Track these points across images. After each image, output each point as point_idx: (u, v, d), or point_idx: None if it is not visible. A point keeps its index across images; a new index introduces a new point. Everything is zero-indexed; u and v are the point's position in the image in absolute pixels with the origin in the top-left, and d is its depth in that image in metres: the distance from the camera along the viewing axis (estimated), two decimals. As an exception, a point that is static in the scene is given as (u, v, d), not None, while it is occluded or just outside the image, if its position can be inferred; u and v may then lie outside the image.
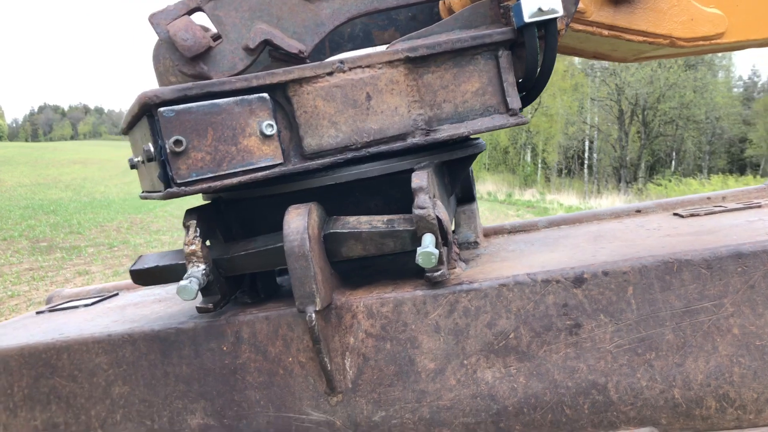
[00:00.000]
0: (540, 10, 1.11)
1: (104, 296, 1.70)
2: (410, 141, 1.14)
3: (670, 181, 30.41)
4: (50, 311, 1.62)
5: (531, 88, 1.26)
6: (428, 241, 1.03)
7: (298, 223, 1.04)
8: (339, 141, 1.12)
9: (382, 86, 1.12)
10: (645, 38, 1.42)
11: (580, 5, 1.36)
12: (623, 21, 1.40)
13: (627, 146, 44.94)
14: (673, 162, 46.35)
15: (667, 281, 0.99)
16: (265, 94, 1.08)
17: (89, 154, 58.24)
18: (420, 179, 1.08)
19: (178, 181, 1.05)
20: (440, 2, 1.51)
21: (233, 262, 1.13)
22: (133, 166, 1.30)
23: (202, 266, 1.09)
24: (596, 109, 45.53)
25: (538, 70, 1.21)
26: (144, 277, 1.17)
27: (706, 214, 1.39)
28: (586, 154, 47.52)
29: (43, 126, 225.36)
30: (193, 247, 1.09)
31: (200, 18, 1.18)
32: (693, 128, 44.28)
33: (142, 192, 1.30)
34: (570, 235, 1.43)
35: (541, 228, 1.61)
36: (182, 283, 1.03)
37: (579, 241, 1.34)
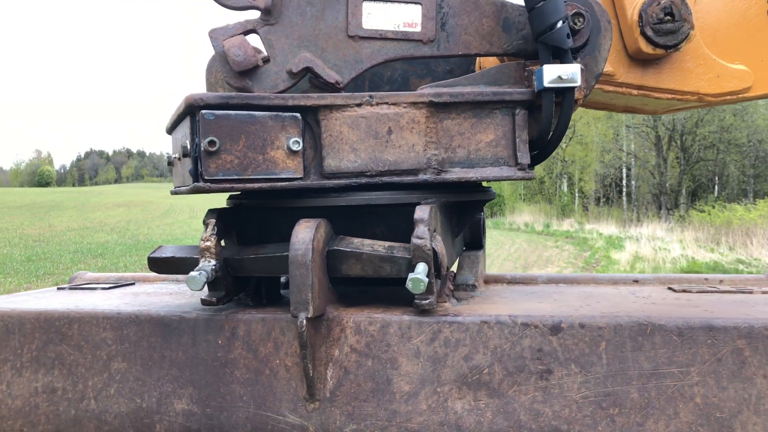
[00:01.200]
0: (559, 77, 1.18)
1: (122, 283, 1.81)
2: (421, 177, 1.22)
3: (713, 207, 29.51)
4: (70, 289, 1.74)
5: (542, 148, 1.31)
6: (420, 269, 1.10)
7: (305, 234, 1.12)
8: (356, 166, 1.20)
9: (403, 123, 1.21)
10: (673, 96, 1.45)
11: (609, 68, 1.40)
12: (651, 81, 1.43)
13: (666, 172, 44.01)
14: (716, 187, 45.08)
15: (639, 342, 1.05)
16: (298, 114, 1.18)
17: (132, 197, 60.20)
18: (422, 212, 1.15)
19: (206, 178, 1.15)
20: (476, 61, 1.57)
21: (242, 263, 1.22)
22: (170, 163, 1.43)
23: (213, 262, 1.19)
24: (632, 136, 44.90)
25: (551, 133, 1.26)
26: (160, 264, 1.28)
27: (697, 292, 1.42)
28: (624, 182, 46.70)
29: (89, 171, 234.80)
30: (208, 243, 1.19)
31: (254, 39, 1.28)
32: (735, 152, 43.12)
33: (173, 188, 1.42)
34: (564, 292, 1.47)
35: (540, 283, 1.66)
36: (192, 273, 1.13)
37: (569, 297, 1.38)
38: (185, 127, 1.22)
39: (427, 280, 1.08)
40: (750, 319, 1.05)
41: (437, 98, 1.22)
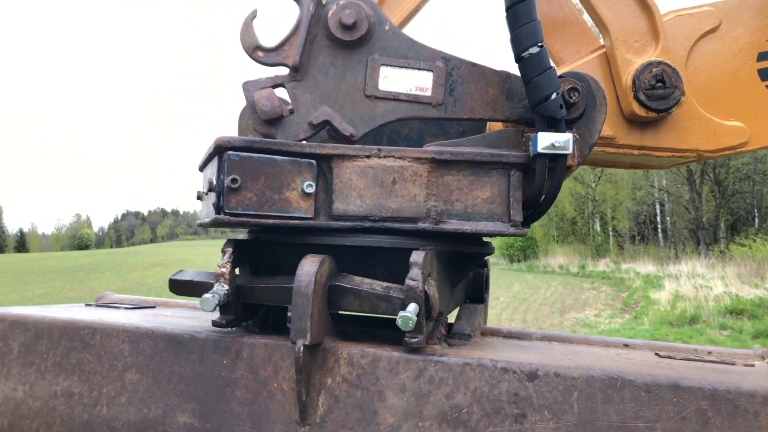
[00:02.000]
0: (552, 145, 1.28)
1: (144, 306, 1.92)
2: (420, 225, 1.32)
3: (754, 240, 28.57)
4: (97, 306, 1.85)
5: (535, 208, 1.40)
6: (411, 308, 1.18)
7: (310, 268, 1.22)
8: (362, 210, 1.31)
9: (407, 176, 1.32)
10: (673, 153, 1.53)
11: (609, 132, 1.48)
12: (651, 141, 1.51)
13: (701, 207, 42.96)
14: (756, 220, 43.74)
15: (609, 395, 1.08)
16: (314, 161, 1.30)
17: (167, 256, 61.44)
18: (418, 256, 1.24)
19: (227, 211, 1.26)
20: (487, 125, 1.67)
21: (252, 291, 1.32)
22: (199, 197, 1.56)
23: (226, 287, 1.28)
24: (663, 171, 44.24)
25: (544, 195, 1.36)
26: (179, 286, 1.40)
27: (681, 359, 1.44)
28: (659, 218, 45.73)
29: (126, 232, 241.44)
30: (223, 270, 1.29)
31: (281, 92, 1.41)
32: (772, 182, 41.99)
33: (199, 221, 1.55)
34: (553, 349, 1.50)
35: (534, 339, 1.70)
36: (206, 295, 1.22)
37: (555, 353, 1.41)
38: (213, 164, 1.36)
39: (415, 318, 1.15)
40: (715, 381, 1.08)
41: (439, 155, 1.33)
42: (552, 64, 1.30)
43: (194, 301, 1.92)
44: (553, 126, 1.31)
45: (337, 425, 1.18)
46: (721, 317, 14.00)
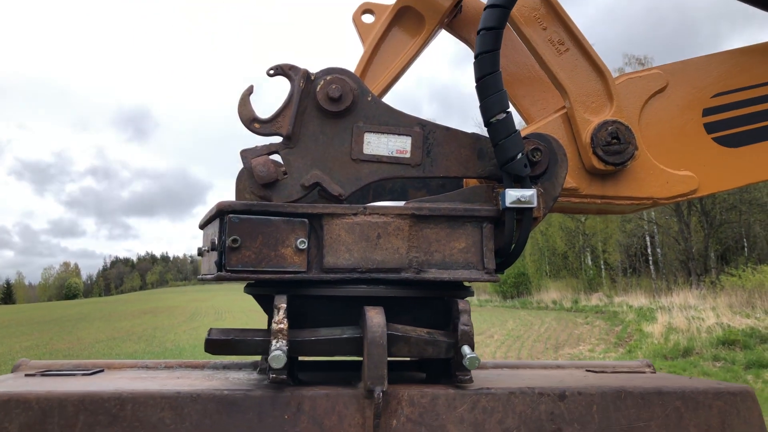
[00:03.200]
0: (519, 199, 1.44)
1: (93, 370, 1.68)
2: (403, 275, 1.44)
3: (743, 270, 28.82)
4: (42, 375, 1.59)
5: (506, 256, 1.53)
6: (469, 350, 1.36)
7: (380, 319, 1.33)
8: (351, 263, 1.43)
9: (390, 230, 1.45)
10: (632, 201, 1.68)
11: (573, 184, 1.65)
12: (611, 191, 1.68)
13: (690, 237, 43.37)
14: (746, 249, 44.17)
15: (617, 404, 1.34)
16: (306, 220, 1.43)
17: (157, 303, 60.66)
18: (465, 304, 1.40)
19: (228, 268, 1.37)
20: (464, 181, 1.81)
21: (303, 346, 1.36)
22: (200, 254, 1.66)
23: (285, 342, 1.31)
24: (650, 204, 44.77)
25: (514, 244, 1.50)
26: (219, 345, 1.37)
27: (611, 372, 1.78)
28: (649, 250, 46.03)
29: (115, 280, 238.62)
30: (281, 326, 1.33)
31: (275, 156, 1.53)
32: (758, 212, 42.60)
33: (200, 275, 1.65)
34: (519, 374, 1.75)
35: (489, 368, 1.88)
36: (277, 352, 1.27)
37: (537, 377, 1.62)
38: (215, 226, 1.48)
39: (480, 358, 1.32)
40: (677, 386, 1.41)
41: (418, 211, 1.47)
42: (516, 128, 1.46)
43: (145, 361, 1.82)
44: (520, 182, 1.46)
45: None
46: (714, 348, 14.05)
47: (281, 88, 1.54)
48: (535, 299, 40.77)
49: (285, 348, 1.29)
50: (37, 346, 26.26)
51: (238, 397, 1.27)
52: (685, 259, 43.83)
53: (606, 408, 1.34)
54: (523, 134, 1.56)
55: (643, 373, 1.80)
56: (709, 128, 1.73)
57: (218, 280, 1.41)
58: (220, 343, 1.36)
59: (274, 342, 1.31)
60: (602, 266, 49.71)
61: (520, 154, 1.44)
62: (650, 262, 45.68)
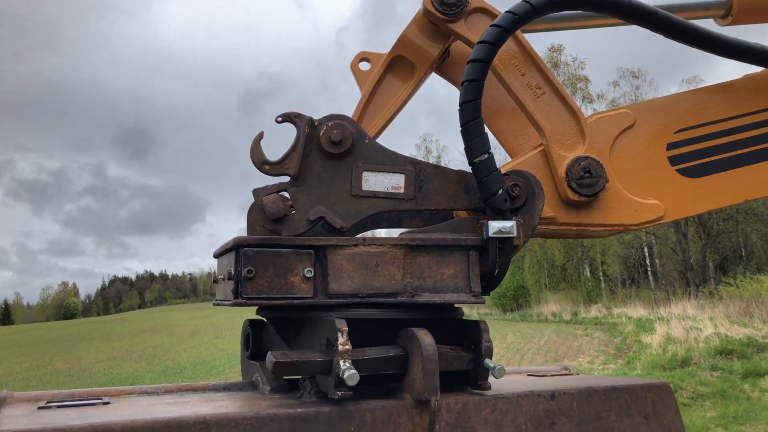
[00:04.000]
0: (500, 230, 1.62)
1: (96, 401, 1.60)
2: (399, 299, 1.61)
3: (741, 280, 28.99)
4: (58, 407, 1.52)
5: (490, 281, 1.70)
6: (492, 362, 1.57)
7: (430, 339, 1.50)
8: (352, 289, 1.59)
9: (387, 259, 1.62)
10: (605, 228, 1.87)
11: (550, 213, 1.83)
12: (585, 219, 1.86)
13: (688, 248, 43.57)
14: (743, 258, 44.35)
15: (588, 400, 1.65)
16: (312, 251, 1.59)
17: (156, 321, 60.54)
18: (486, 325, 1.61)
19: (244, 296, 1.53)
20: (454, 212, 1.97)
21: (357, 364, 1.46)
22: (215, 281, 1.86)
23: (350, 362, 1.44)
24: (647, 215, 44.95)
25: (497, 270, 1.67)
26: (287, 367, 1.45)
27: (552, 376, 2.09)
28: (648, 261, 46.19)
29: (114, 299, 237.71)
30: (347, 347, 1.45)
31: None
32: (755, 221, 42.89)
33: (216, 300, 1.81)
34: (512, 380, 1.96)
35: None
36: (352, 372, 1.39)
37: (521, 383, 1.86)
38: (231, 257, 1.64)
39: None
40: (627, 383, 1.72)
41: (412, 242, 1.65)
42: (497, 167, 1.64)
43: (142, 386, 1.78)
44: (501, 215, 1.64)
45: None
46: (711, 358, 14.18)
47: (288, 131, 1.72)
48: (534, 312, 40.86)
49: (353, 367, 1.42)
50: (37, 366, 26.23)
51: (310, 414, 1.39)
52: (684, 270, 43.98)
53: (582, 403, 1.64)
54: (504, 170, 1.75)
55: (570, 375, 2.13)
56: (673, 161, 1.92)
57: (235, 305, 1.58)
58: (287, 366, 1.44)
59: (341, 362, 1.42)
60: (601, 278, 49.83)
61: (500, 190, 1.62)
62: (649, 273, 45.82)
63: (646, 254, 46.13)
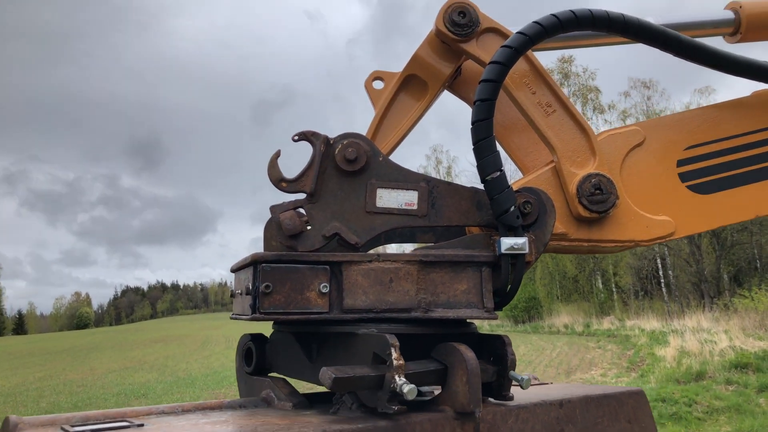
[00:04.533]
0: (512, 247, 1.64)
1: (135, 423, 1.50)
2: (413, 314, 1.63)
3: (756, 292, 28.60)
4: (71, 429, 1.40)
5: (503, 296, 1.72)
6: (518, 374, 1.62)
7: (472, 353, 1.54)
8: (367, 304, 1.61)
9: (401, 275, 1.64)
10: (615, 244, 1.88)
11: (562, 229, 1.85)
12: (596, 235, 1.88)
13: (702, 259, 43.10)
14: (758, 270, 43.76)
15: (587, 407, 1.76)
16: (327, 267, 1.62)
17: (168, 331, 60.77)
18: (509, 339, 1.66)
19: (261, 311, 1.56)
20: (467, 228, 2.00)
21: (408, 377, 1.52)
22: (232, 295, 1.87)
23: (404, 377, 1.45)
24: (659, 226, 44.55)
25: (509, 285, 1.69)
26: (347, 383, 1.46)
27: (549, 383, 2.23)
28: (661, 272, 45.72)
29: (126, 309, 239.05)
30: (401, 362, 1.46)
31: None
32: (769, 232, 42.38)
33: (233, 314, 1.83)
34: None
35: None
36: (411, 387, 1.42)
37: (533, 392, 1.95)
38: (249, 272, 1.66)
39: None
40: (614, 390, 1.86)
41: (425, 258, 1.67)
42: (509, 184, 1.68)
43: (159, 406, 1.67)
44: (513, 231, 1.67)
45: None
46: (726, 372, 13.99)
47: (304, 149, 1.77)
48: (546, 323, 40.55)
49: (409, 382, 1.44)
50: (50, 376, 26.41)
51: (370, 429, 1.43)
52: (698, 282, 43.48)
53: (582, 410, 1.76)
54: (516, 187, 1.78)
55: (545, 384, 2.26)
56: (683, 177, 1.94)
57: (253, 320, 1.61)
58: (344, 381, 1.44)
59: (397, 377, 1.44)
60: (614, 289, 49.38)
61: (512, 207, 1.65)
62: (662, 285, 45.35)
63: (659, 266, 45.66)
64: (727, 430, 9.65)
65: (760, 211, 1.97)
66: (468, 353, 1.53)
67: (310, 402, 1.73)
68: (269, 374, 1.90)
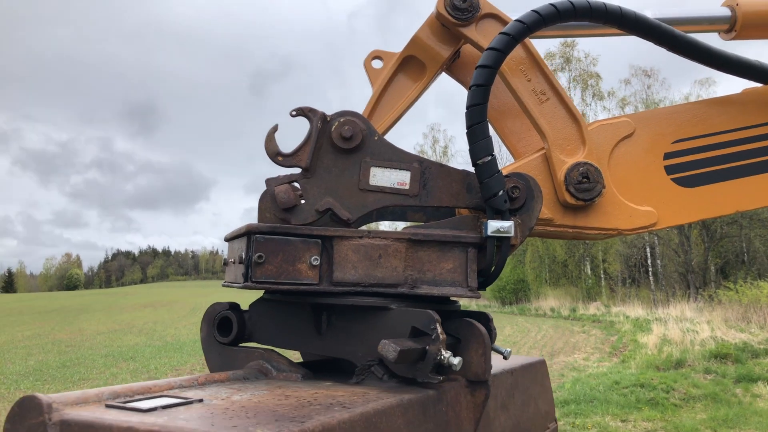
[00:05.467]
0: (499, 230, 1.70)
1: (187, 400, 1.31)
2: (399, 290, 1.69)
3: (741, 285, 28.99)
4: (153, 405, 1.22)
5: (487, 277, 1.78)
6: (500, 347, 1.90)
7: (484, 329, 1.65)
8: (355, 278, 1.67)
9: (390, 251, 1.69)
10: (599, 232, 1.94)
11: (548, 214, 1.91)
12: (581, 222, 1.94)
13: (690, 250, 43.51)
14: (745, 263, 44.28)
15: (523, 374, 2.18)
16: (319, 240, 1.67)
17: (158, 297, 60.96)
18: (490, 315, 1.78)
19: (253, 280, 1.62)
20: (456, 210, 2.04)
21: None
22: (225, 263, 1.92)
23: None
24: (651, 216, 44.81)
25: (494, 267, 1.75)
26: (407, 356, 1.51)
27: None
28: (649, 261, 46.15)
29: (116, 272, 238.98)
30: (444, 336, 1.55)
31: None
32: (759, 226, 42.75)
33: (225, 282, 1.89)
34: None
35: None
36: (459, 359, 1.53)
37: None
38: (242, 242, 1.72)
39: None
40: (527, 361, 2.26)
41: (414, 236, 1.72)
42: (499, 169, 1.72)
43: (168, 380, 1.48)
44: (500, 215, 1.72)
45: (488, 426, 1.81)
46: (706, 361, 14.27)
47: (301, 125, 1.80)
48: (533, 306, 40.98)
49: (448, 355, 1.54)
50: (39, 335, 26.53)
51: (423, 398, 1.50)
52: (685, 272, 43.95)
53: (520, 376, 2.07)
54: (506, 171, 1.83)
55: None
56: (669, 170, 2.00)
57: (245, 288, 1.67)
58: (406, 354, 1.49)
59: (443, 350, 1.53)
60: (602, 276, 49.82)
61: (501, 191, 1.71)
62: (650, 274, 45.81)
63: (648, 254, 46.05)
64: (702, 418, 9.89)
65: (741, 207, 2.03)
66: (482, 328, 1.64)
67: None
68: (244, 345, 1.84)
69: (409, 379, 1.58)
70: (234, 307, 1.85)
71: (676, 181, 2.00)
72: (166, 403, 1.27)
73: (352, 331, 1.72)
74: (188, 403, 1.29)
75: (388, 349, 1.46)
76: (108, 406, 1.23)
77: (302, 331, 1.78)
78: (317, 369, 1.88)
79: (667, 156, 2.00)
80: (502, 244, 1.72)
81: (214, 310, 1.84)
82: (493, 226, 1.70)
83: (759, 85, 2.07)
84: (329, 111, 1.81)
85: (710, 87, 42.91)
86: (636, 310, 30.43)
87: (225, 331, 1.81)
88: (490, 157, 1.72)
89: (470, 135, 1.73)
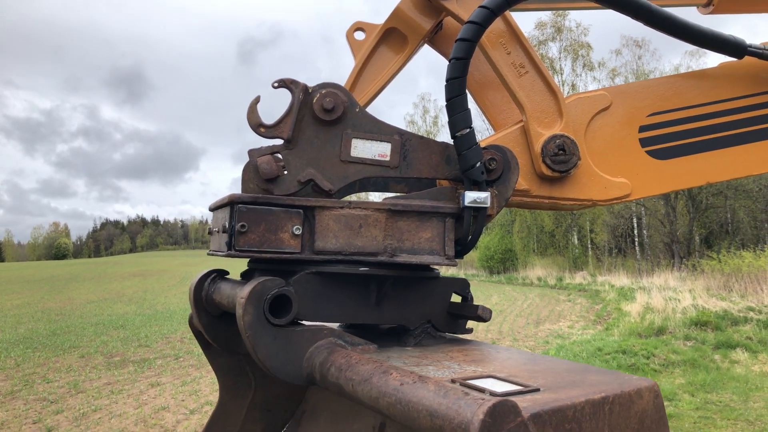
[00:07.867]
0: (475, 200, 1.76)
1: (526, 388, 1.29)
2: (378, 258, 1.75)
3: (724, 254, 29.49)
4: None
5: (464, 246, 1.85)
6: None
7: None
8: (336, 247, 1.73)
9: (370, 221, 1.75)
10: (574, 202, 2.00)
11: (524, 185, 1.96)
12: (557, 193, 2.00)
13: (676, 221, 44.02)
14: (729, 234, 44.93)
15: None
16: (301, 210, 1.72)
17: (147, 266, 60.90)
18: (468, 282, 1.99)
19: (237, 248, 1.68)
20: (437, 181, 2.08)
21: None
22: (209, 232, 1.99)
23: None
24: (639, 186, 45.12)
25: (470, 236, 1.82)
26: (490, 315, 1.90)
27: None
28: (636, 231, 46.69)
29: (105, 242, 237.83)
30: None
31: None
32: (744, 198, 43.27)
33: (210, 250, 1.95)
34: None
35: None
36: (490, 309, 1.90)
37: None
38: (226, 212, 1.77)
39: None
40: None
41: (394, 207, 1.78)
42: (477, 141, 1.77)
43: None
44: (477, 186, 1.78)
45: None
46: (686, 328, 14.64)
47: (283, 96, 1.82)
48: (520, 275, 41.48)
49: None
50: (29, 304, 26.56)
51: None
52: (670, 242, 44.56)
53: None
54: (484, 143, 1.87)
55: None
56: (644, 143, 2.05)
57: (228, 256, 1.72)
58: (490, 313, 1.92)
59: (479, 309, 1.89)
60: (589, 245, 50.36)
61: (478, 163, 1.76)
62: (636, 244, 46.39)
63: (635, 225, 46.55)
64: (680, 382, 10.21)
65: (711, 179, 2.10)
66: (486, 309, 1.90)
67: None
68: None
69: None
70: (221, 273, 1.98)
71: (650, 153, 2.05)
72: (508, 391, 1.26)
73: (407, 299, 1.86)
74: (527, 392, 1.26)
75: (486, 312, 1.85)
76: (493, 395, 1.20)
77: (357, 304, 1.82)
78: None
79: (642, 129, 2.06)
80: (479, 214, 1.78)
81: (263, 288, 1.57)
82: (470, 196, 1.75)
83: (735, 59, 2.12)
84: (319, 80, 1.83)
85: (700, 58, 42.78)
86: (621, 280, 30.93)
87: (281, 311, 1.60)
88: (468, 130, 1.76)
89: (449, 108, 1.77)
